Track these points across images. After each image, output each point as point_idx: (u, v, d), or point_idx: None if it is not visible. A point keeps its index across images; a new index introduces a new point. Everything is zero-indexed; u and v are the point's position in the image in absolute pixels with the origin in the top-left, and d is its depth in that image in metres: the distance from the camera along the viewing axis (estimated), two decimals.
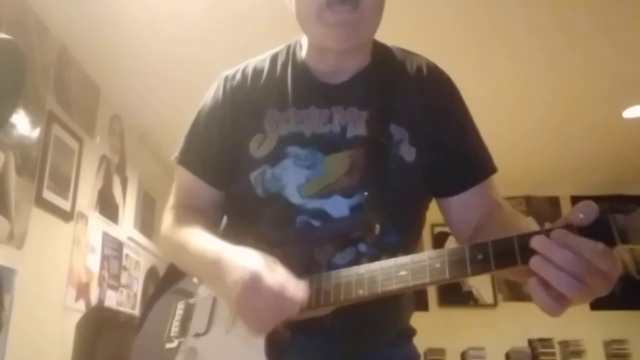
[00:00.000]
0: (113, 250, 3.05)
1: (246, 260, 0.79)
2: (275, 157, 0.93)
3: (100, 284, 2.85)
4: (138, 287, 3.44)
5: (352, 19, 0.88)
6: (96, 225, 2.84)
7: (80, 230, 2.64)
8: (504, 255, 0.65)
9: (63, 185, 2.50)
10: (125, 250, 3.23)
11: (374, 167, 0.90)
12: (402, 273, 0.72)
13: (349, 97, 0.95)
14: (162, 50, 2.65)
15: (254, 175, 0.93)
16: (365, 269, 0.76)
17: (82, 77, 2.76)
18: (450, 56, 2.76)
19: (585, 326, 4.28)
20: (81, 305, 2.61)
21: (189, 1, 2.33)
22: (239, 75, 1.03)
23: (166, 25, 2.47)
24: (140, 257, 3.50)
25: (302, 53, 1.01)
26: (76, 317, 2.49)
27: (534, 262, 0.62)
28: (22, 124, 2.17)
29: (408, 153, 0.92)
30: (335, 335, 0.87)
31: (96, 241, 2.84)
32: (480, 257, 0.66)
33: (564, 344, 4.20)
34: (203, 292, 0.95)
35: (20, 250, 2.12)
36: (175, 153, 1.05)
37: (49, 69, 2.42)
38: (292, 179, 0.91)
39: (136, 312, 3.35)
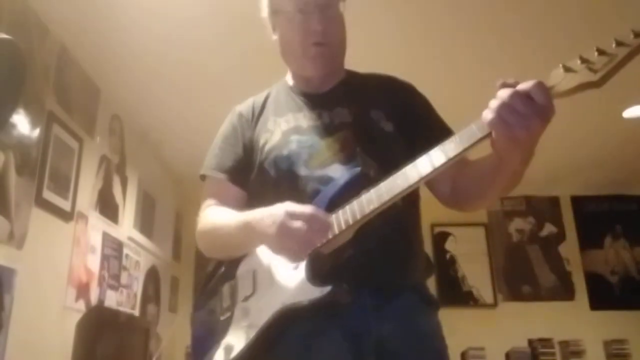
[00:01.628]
0: (113, 250, 3.05)
1: (275, 207, 0.99)
2: (282, 145, 1.16)
3: (100, 284, 2.85)
4: (138, 287, 3.44)
5: (325, 52, 1.19)
6: (96, 225, 2.84)
7: (80, 230, 2.64)
8: (468, 136, 0.88)
9: (63, 185, 2.50)
10: (125, 250, 3.23)
11: (362, 138, 1.14)
12: (399, 181, 0.93)
13: (332, 101, 1.22)
14: (162, 51, 2.65)
15: (267, 162, 1.16)
16: (371, 190, 0.96)
17: (82, 77, 2.76)
18: (448, 61, 2.76)
19: (585, 326, 4.29)
20: (81, 305, 2.60)
21: (189, 3, 2.33)
22: (245, 105, 1.31)
23: (166, 25, 2.47)
24: (140, 257, 3.50)
25: (290, 82, 1.31)
26: (76, 317, 2.49)
27: (490, 104, 0.87)
28: (22, 124, 2.17)
29: (387, 126, 1.17)
30: (362, 272, 1.02)
31: (96, 241, 2.84)
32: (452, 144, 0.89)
33: (564, 344, 4.20)
34: (241, 271, 1.12)
35: (20, 250, 2.12)
36: (201, 170, 1.27)
37: (49, 69, 2.42)
38: (298, 157, 1.13)
39: (136, 312, 3.36)
